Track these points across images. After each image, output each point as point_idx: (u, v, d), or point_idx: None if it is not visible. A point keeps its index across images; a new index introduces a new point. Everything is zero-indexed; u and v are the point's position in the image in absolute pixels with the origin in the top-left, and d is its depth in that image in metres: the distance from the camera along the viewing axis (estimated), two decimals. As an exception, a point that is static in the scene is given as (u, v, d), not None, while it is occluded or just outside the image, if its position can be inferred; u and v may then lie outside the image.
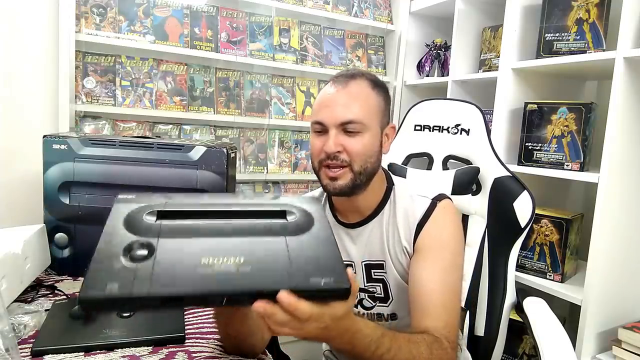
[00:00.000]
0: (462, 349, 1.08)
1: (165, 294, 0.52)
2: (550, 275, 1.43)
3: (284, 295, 0.54)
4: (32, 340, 0.84)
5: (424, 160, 1.27)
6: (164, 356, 0.82)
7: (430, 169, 1.24)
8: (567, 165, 1.39)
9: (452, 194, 1.14)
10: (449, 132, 1.22)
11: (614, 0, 1.36)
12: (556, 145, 1.42)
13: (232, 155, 1.29)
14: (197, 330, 0.94)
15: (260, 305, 0.55)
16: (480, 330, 1.13)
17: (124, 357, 0.81)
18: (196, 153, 1.20)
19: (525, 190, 1.09)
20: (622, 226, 1.29)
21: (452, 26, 1.86)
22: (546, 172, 1.42)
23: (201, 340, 0.90)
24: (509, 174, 1.13)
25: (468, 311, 1.13)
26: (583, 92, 1.72)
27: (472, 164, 1.19)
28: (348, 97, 0.90)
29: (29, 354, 0.80)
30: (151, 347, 0.85)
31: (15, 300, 0.98)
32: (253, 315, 0.84)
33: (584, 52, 1.39)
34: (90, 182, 1.19)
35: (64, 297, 1.07)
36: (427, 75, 2.12)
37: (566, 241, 1.40)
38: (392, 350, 0.72)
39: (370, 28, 2.20)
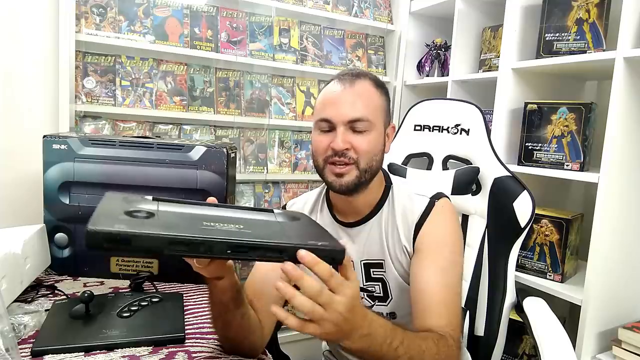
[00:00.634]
0: (462, 349, 1.08)
1: (171, 236, 0.54)
2: (550, 275, 1.43)
3: (303, 252, 0.58)
4: (32, 340, 0.84)
5: (424, 160, 1.27)
6: (164, 356, 0.83)
7: (430, 169, 1.24)
8: (567, 165, 1.39)
9: (452, 194, 1.14)
10: (448, 132, 1.22)
11: (614, 0, 1.36)
12: (556, 145, 1.42)
13: (232, 155, 1.29)
14: (197, 330, 0.94)
15: (289, 264, 0.58)
16: (480, 330, 1.13)
17: (124, 357, 0.81)
18: (196, 153, 1.20)
19: (525, 190, 1.09)
20: (622, 226, 1.29)
21: (452, 26, 1.86)
22: (546, 172, 1.42)
23: (201, 340, 0.90)
24: (508, 174, 1.13)
25: (468, 311, 1.13)
26: (583, 92, 1.72)
27: (472, 164, 1.19)
28: (355, 96, 0.90)
29: (29, 354, 0.80)
30: (151, 347, 0.85)
31: (15, 300, 0.98)
32: (252, 315, 0.84)
33: (584, 52, 1.39)
34: (90, 182, 1.19)
35: (64, 297, 1.07)
36: (427, 75, 2.12)
37: (566, 241, 1.40)
38: (404, 342, 0.72)
39: (370, 28, 2.20)
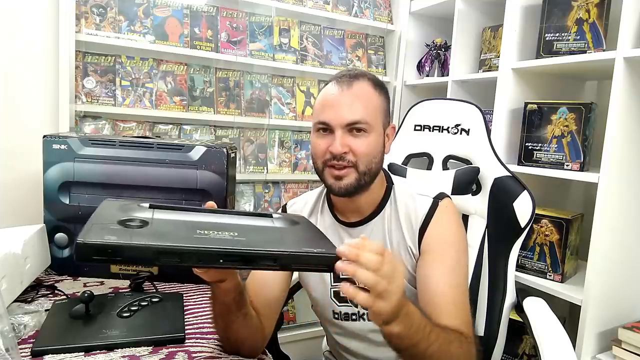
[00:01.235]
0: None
1: (161, 246, 0.53)
2: (550, 275, 1.43)
3: (341, 263, 0.59)
4: (32, 340, 0.84)
5: (424, 160, 1.26)
6: (164, 356, 0.82)
7: (430, 169, 1.24)
8: (567, 165, 1.39)
9: (452, 194, 1.14)
10: (449, 132, 1.22)
11: (614, 0, 1.36)
12: (556, 145, 1.42)
13: (232, 155, 1.29)
14: (197, 330, 0.94)
15: (339, 263, 0.59)
16: (480, 330, 1.12)
17: (124, 357, 0.81)
18: (196, 153, 1.20)
19: (525, 190, 1.09)
20: (622, 226, 1.29)
21: (452, 26, 1.86)
22: (546, 172, 1.42)
23: (201, 340, 0.90)
24: (509, 174, 1.13)
25: (468, 311, 1.13)
26: (583, 92, 1.72)
27: (472, 164, 1.19)
28: (353, 98, 0.89)
29: (29, 354, 0.80)
30: (151, 347, 0.85)
31: (15, 300, 0.98)
32: (253, 315, 0.84)
33: (584, 52, 1.39)
34: (90, 182, 1.19)
35: (64, 297, 1.07)
36: (427, 75, 2.12)
37: (566, 241, 1.40)
38: (435, 329, 0.73)
39: (370, 28, 2.20)
